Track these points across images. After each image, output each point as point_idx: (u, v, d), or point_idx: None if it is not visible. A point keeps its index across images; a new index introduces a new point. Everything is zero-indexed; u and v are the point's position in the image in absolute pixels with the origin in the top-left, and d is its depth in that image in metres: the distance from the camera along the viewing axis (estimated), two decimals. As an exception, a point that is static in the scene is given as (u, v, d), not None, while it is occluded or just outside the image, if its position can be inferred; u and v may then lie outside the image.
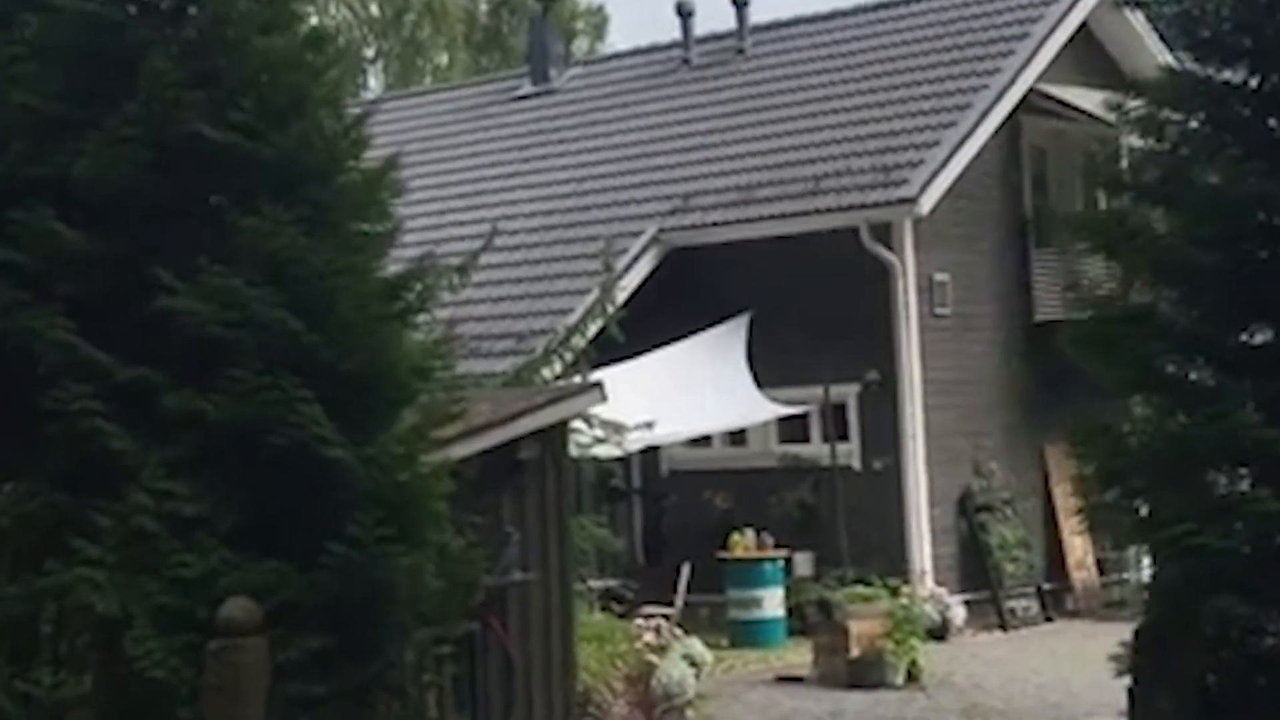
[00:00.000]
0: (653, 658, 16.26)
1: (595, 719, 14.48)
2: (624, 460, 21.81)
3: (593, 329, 18.02)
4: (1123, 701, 16.66)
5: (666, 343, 21.23)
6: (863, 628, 18.11)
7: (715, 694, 17.07)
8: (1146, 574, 22.59)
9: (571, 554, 12.43)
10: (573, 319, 19.31)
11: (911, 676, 18.03)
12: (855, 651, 18.02)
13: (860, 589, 18.83)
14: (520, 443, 11.94)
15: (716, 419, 21.01)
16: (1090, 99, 22.84)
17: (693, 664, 16.72)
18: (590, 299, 19.16)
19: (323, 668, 9.26)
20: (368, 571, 9.24)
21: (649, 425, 17.61)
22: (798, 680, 18.41)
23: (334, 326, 9.63)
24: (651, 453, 22.74)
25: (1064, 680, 18.19)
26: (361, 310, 9.73)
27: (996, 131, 22.34)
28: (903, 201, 21.12)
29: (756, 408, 21.20)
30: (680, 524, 23.35)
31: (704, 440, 23.23)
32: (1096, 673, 18.62)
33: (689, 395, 20.59)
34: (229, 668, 8.52)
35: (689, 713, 16.00)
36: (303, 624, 9.16)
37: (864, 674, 17.89)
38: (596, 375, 15.93)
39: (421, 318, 10.41)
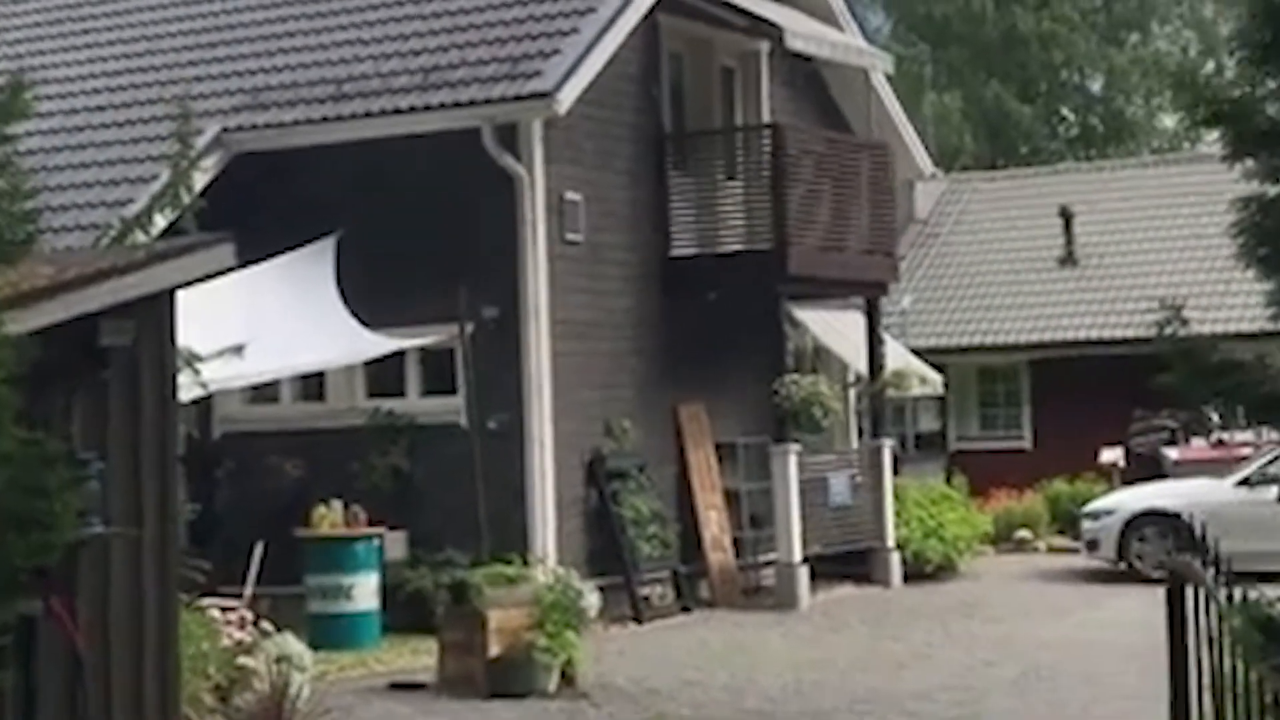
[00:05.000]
0: (247, 661, 11.99)
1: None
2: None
3: (161, 223, 13.47)
4: (842, 706, 13.43)
5: (233, 269, 16.72)
6: (505, 618, 14.18)
7: (317, 710, 12.81)
8: (797, 554, 19.57)
9: (178, 498, 8.06)
10: (134, 209, 14.69)
11: (566, 679, 14.21)
12: (496, 649, 14.08)
13: (502, 568, 14.83)
14: (103, 321, 7.55)
15: (305, 358, 16.72)
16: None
17: (291, 668, 12.51)
18: (155, 187, 14.60)
19: None
20: None
21: (238, 350, 13.24)
22: (419, 687, 14.37)
23: None
24: (202, 408, 18.21)
25: (749, 681, 14.82)
26: None
27: (634, 30, 18.75)
28: (536, 96, 17.25)
29: (356, 345, 17.02)
30: (238, 497, 18.89)
31: (269, 395, 18.95)
32: (781, 672, 15.39)
33: (264, 332, 16.18)
34: None
35: (293, 734, 11.77)
36: None
37: (508, 678, 13.98)
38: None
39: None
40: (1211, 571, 5.57)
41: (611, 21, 18.02)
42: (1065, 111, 51.37)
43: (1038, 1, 47.74)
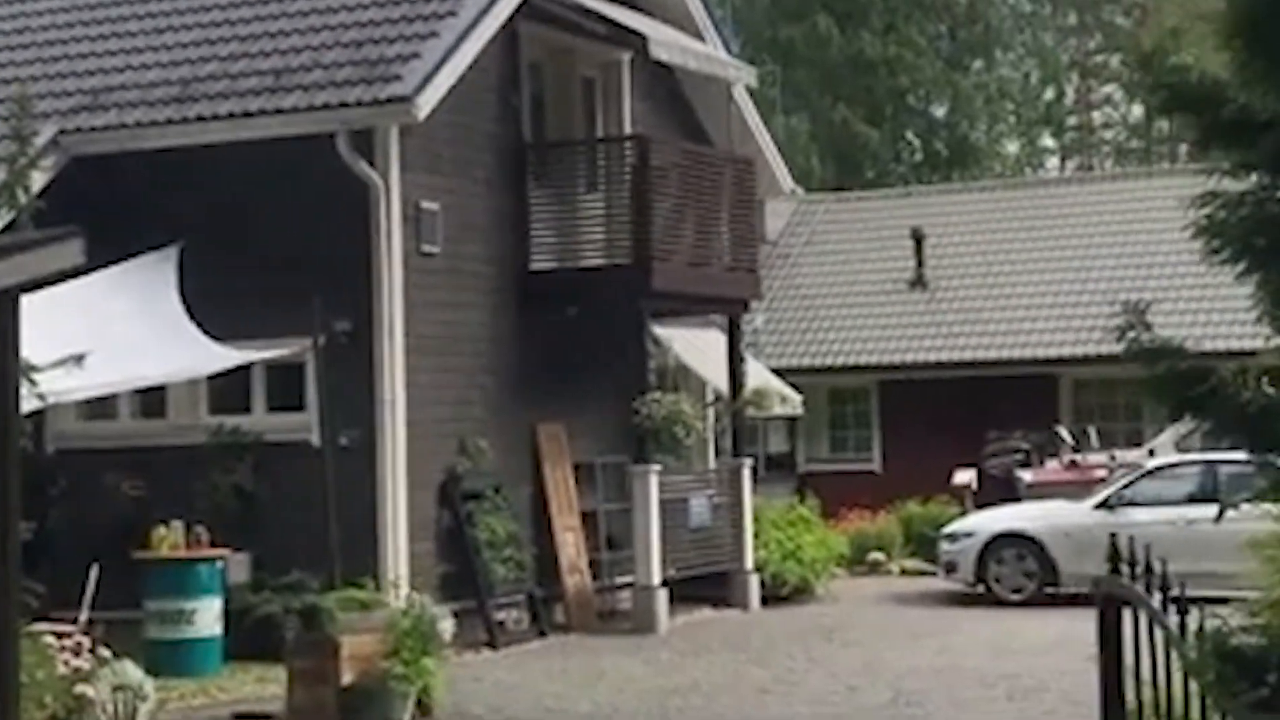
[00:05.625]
0: (85, 689, 11.25)
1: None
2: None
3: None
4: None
5: (69, 277, 15.94)
6: (359, 645, 13.51)
7: (160, 741, 12.14)
8: (656, 576, 19.05)
9: (18, 515, 7.38)
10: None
11: (423, 708, 13.59)
12: (349, 677, 13.40)
13: (355, 592, 14.17)
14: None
15: (148, 370, 15.91)
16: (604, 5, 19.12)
17: (134, 698, 11.82)
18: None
19: None
20: None
21: (78, 360, 12.44)
22: (266, 717, 13.67)
23: None
24: (34, 423, 17.31)
25: (613, 709, 14.30)
26: None
27: (494, 37, 18.18)
28: (394, 101, 16.64)
29: (201, 358, 16.24)
30: (72, 517, 18.00)
31: (106, 411, 18.11)
32: (644, 699, 14.83)
33: (104, 343, 15.35)
34: None
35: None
36: None
37: (361, 707, 13.31)
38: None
39: None
40: (1158, 596, 5.13)
41: (472, 26, 17.44)
42: (910, 136, 51.63)
43: (884, 26, 47.88)
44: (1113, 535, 5.64)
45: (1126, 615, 5.73)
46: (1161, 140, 59.22)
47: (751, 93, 22.85)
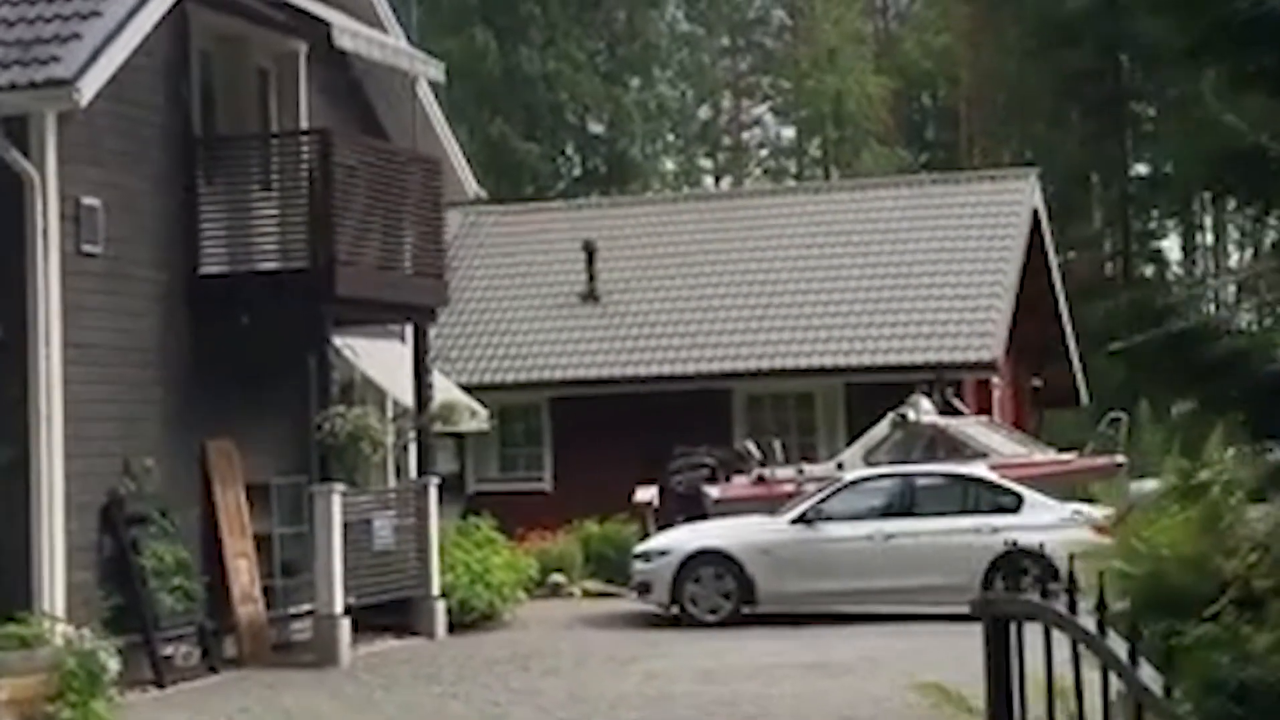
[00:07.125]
0: None
1: None
2: None
3: None
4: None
5: None
6: (19, 688, 11.97)
7: None
8: (339, 604, 17.71)
9: None
10: None
11: (93, 758, 12.11)
12: (7, 724, 11.88)
13: (15, 629, 12.58)
14: None
15: None
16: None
17: None
18: None
19: None
20: None
21: None
22: (-93, 774, 12.03)
23: None
24: None
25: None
26: None
27: (163, 19, 16.67)
28: (52, 84, 15.03)
29: None
30: None
31: None
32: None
33: None
34: None
35: None
36: None
37: (22, 759, 11.80)
38: None
39: None
40: (1092, 617, 4.22)
41: (139, 6, 15.91)
42: (570, 152, 51.14)
43: (544, 41, 47.24)
44: (1013, 544, 4.72)
45: (1025, 639, 4.82)
46: (814, 162, 59.93)
47: (435, 91, 21.74)
